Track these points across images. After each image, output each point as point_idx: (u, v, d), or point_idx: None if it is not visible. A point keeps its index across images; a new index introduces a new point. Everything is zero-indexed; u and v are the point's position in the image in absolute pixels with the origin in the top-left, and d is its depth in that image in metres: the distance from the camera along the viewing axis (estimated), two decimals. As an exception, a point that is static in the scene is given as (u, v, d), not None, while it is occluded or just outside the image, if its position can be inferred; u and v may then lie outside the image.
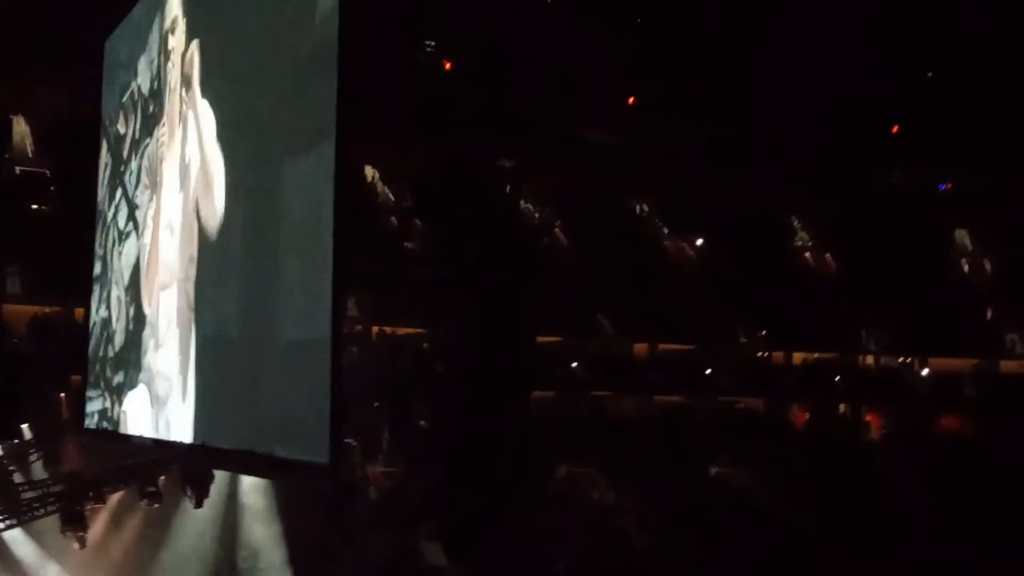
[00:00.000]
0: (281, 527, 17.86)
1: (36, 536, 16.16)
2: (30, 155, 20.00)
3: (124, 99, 12.48)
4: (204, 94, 9.88)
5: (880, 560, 18.38)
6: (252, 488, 17.62)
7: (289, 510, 17.83)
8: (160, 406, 10.45)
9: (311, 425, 7.16)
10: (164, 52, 10.97)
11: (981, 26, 19.28)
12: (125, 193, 12.28)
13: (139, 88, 11.87)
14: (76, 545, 15.31)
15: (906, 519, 19.64)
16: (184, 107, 10.28)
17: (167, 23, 10.92)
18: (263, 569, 17.69)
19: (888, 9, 19.37)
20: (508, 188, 20.73)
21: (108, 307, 12.78)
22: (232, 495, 17.52)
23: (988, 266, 25.46)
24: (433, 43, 20.02)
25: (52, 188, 19.71)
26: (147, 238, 11.31)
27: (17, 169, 19.87)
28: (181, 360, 9.80)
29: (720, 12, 19.15)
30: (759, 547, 18.44)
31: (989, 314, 25.31)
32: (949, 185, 24.79)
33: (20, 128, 19.97)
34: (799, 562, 18.30)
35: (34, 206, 19.62)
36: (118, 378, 12.03)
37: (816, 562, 18.29)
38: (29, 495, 15.30)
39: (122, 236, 12.33)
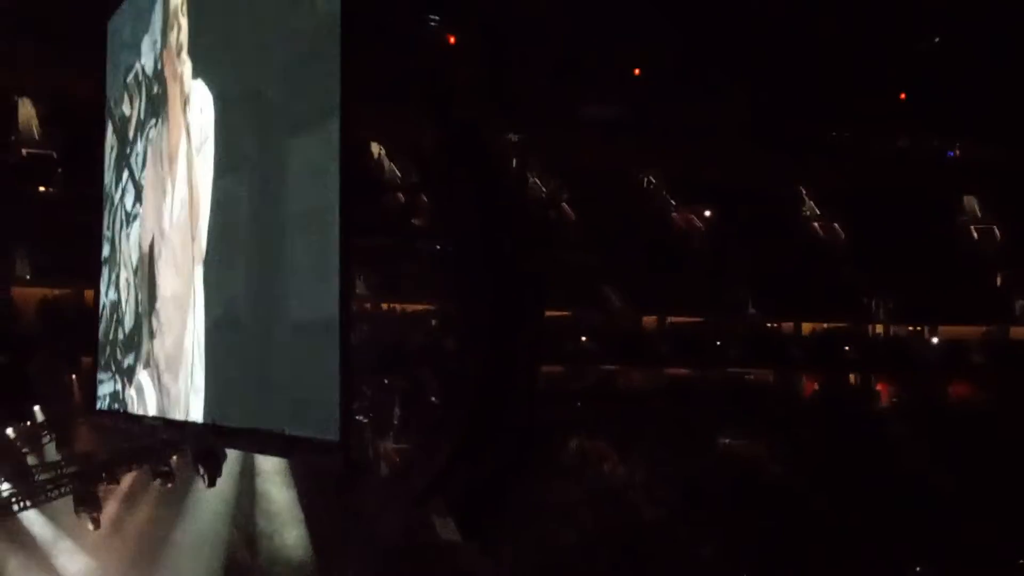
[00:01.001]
0: (295, 504, 17.91)
1: (51, 516, 16.23)
2: (36, 137, 20.00)
3: (128, 80, 12.43)
4: (207, 72, 9.84)
5: (891, 528, 18.41)
6: (265, 467, 17.68)
7: (302, 487, 17.88)
8: (171, 386, 10.46)
9: (321, 403, 7.17)
10: (166, 32, 10.93)
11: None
12: (132, 175, 12.25)
13: (143, 68, 11.82)
14: (90, 525, 15.37)
15: (917, 487, 19.66)
16: (188, 86, 10.25)
17: (169, 3, 10.87)
18: (277, 546, 17.75)
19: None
20: (515, 162, 20.72)
21: (117, 289, 12.77)
22: (245, 474, 17.57)
23: (997, 232, 25.37)
24: (437, 17, 19.91)
25: (59, 170, 19.71)
26: (154, 219, 11.29)
27: (24, 151, 19.87)
28: (191, 340, 9.80)
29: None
30: (769, 517, 18.48)
31: (998, 280, 25.25)
32: (957, 152, 24.70)
33: (26, 110, 19.96)
34: (809, 531, 18.34)
35: (41, 188, 19.62)
36: (128, 359, 12.04)
37: (826, 531, 18.33)
38: (43, 477, 15.35)
39: (130, 218, 12.31)
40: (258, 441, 8.61)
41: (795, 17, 19.94)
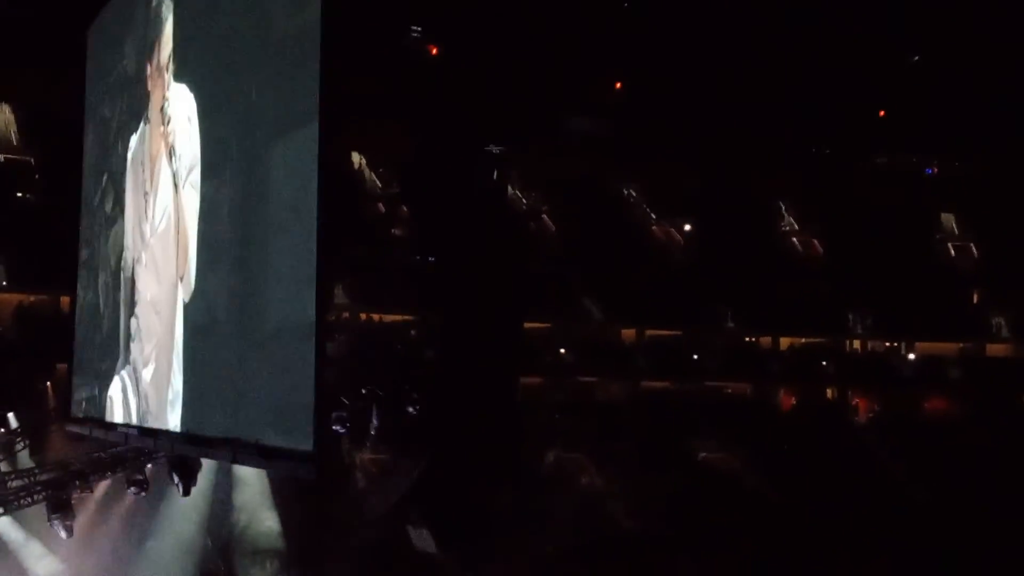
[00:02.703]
0: (270, 514, 17.83)
1: (25, 524, 16.11)
2: (15, 143, 19.92)
3: (110, 82, 12.40)
4: (189, 78, 9.83)
5: (868, 539, 18.47)
6: (241, 476, 17.60)
7: (278, 498, 17.81)
8: (148, 392, 10.41)
9: (296, 413, 7.14)
10: (149, 36, 10.91)
11: (967, 11, 19.33)
12: (111, 178, 12.20)
13: (125, 71, 11.78)
14: (63, 533, 15.25)
15: (893, 499, 19.74)
16: (170, 91, 10.23)
17: (153, 7, 10.85)
18: (251, 554, 17.66)
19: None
20: (496, 174, 20.82)
21: (96, 292, 12.70)
22: (220, 483, 17.49)
23: (974, 250, 25.54)
24: (419, 29, 19.97)
25: (37, 177, 19.63)
26: (134, 223, 11.25)
27: (1, 157, 19.79)
28: (170, 345, 9.75)
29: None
30: (747, 530, 18.50)
31: (975, 297, 25.42)
32: (935, 169, 24.88)
33: (4, 116, 19.88)
34: (787, 543, 18.37)
35: (19, 195, 19.54)
36: (106, 363, 11.97)
37: (804, 543, 18.36)
38: (16, 484, 15.22)
39: (109, 221, 12.26)
40: (233, 451, 8.55)
41: (776, 34, 20.06)
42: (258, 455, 7.94)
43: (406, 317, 20.48)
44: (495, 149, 20.35)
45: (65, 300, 15.86)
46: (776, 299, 23.54)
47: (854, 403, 23.91)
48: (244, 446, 8.10)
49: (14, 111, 19.89)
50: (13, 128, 19.78)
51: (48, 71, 17.53)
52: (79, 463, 15.21)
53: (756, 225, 24.99)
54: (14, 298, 18.88)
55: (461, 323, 18.40)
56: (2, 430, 16.17)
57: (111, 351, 11.81)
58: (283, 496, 17.65)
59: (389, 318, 20.77)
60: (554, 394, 21.15)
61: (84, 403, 12.85)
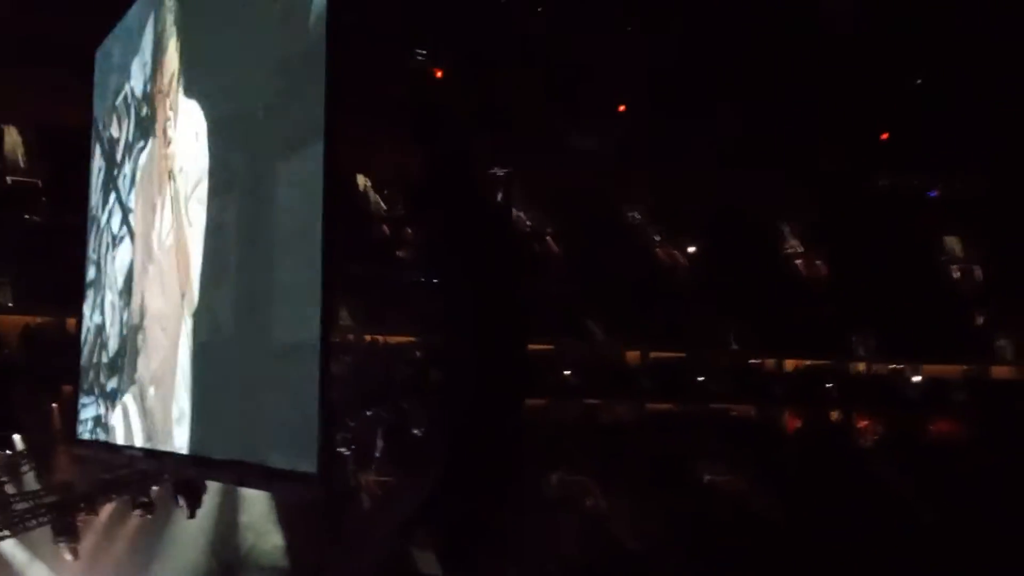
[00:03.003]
0: (276, 537, 17.82)
1: (30, 547, 16.12)
2: (22, 165, 20.00)
3: (117, 102, 12.47)
4: (196, 96, 9.89)
5: (873, 565, 18.41)
6: (247, 498, 17.60)
7: (284, 520, 17.80)
8: (155, 413, 10.43)
9: (301, 434, 7.16)
10: (156, 55, 10.99)
11: (970, 33, 19.38)
12: (119, 197, 12.27)
13: (132, 91, 11.88)
14: (69, 556, 15.27)
15: (899, 521, 19.68)
16: (177, 109, 10.29)
17: (159, 27, 10.93)
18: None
19: (877, 16, 19.47)
20: (500, 195, 20.87)
21: (102, 312, 12.76)
22: (226, 505, 17.48)
23: (978, 272, 25.54)
24: (425, 51, 20.06)
25: (44, 198, 19.71)
26: (142, 242, 11.30)
27: (8, 179, 19.87)
28: (176, 366, 9.78)
29: (712, 18, 19.23)
30: (752, 554, 18.46)
31: (979, 320, 25.40)
32: (938, 191, 24.89)
33: (11, 138, 19.97)
34: (792, 568, 18.32)
35: (26, 216, 19.60)
36: (111, 384, 12.01)
37: (809, 568, 18.31)
38: (21, 506, 15.25)
39: (116, 241, 12.31)
40: (238, 472, 8.58)
41: (779, 56, 20.12)
42: (263, 477, 7.97)
43: (410, 338, 20.48)
44: (499, 171, 20.42)
45: (71, 322, 15.91)
46: (780, 321, 23.53)
47: (858, 425, 23.85)
48: (249, 468, 8.13)
49: (21, 133, 19.97)
50: (20, 150, 19.87)
51: (55, 92, 17.64)
52: (85, 485, 15.26)
53: (760, 247, 25.02)
54: (20, 320, 18.91)
55: (465, 345, 18.41)
56: (8, 452, 16.21)
57: (117, 372, 11.86)
58: (289, 518, 17.65)
59: (394, 339, 20.77)
60: (558, 416, 21.12)
61: (90, 425, 12.88)
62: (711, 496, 20.39)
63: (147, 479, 14.96)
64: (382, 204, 22.44)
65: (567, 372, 22.08)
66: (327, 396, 7.06)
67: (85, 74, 13.87)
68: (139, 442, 10.99)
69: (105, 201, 12.89)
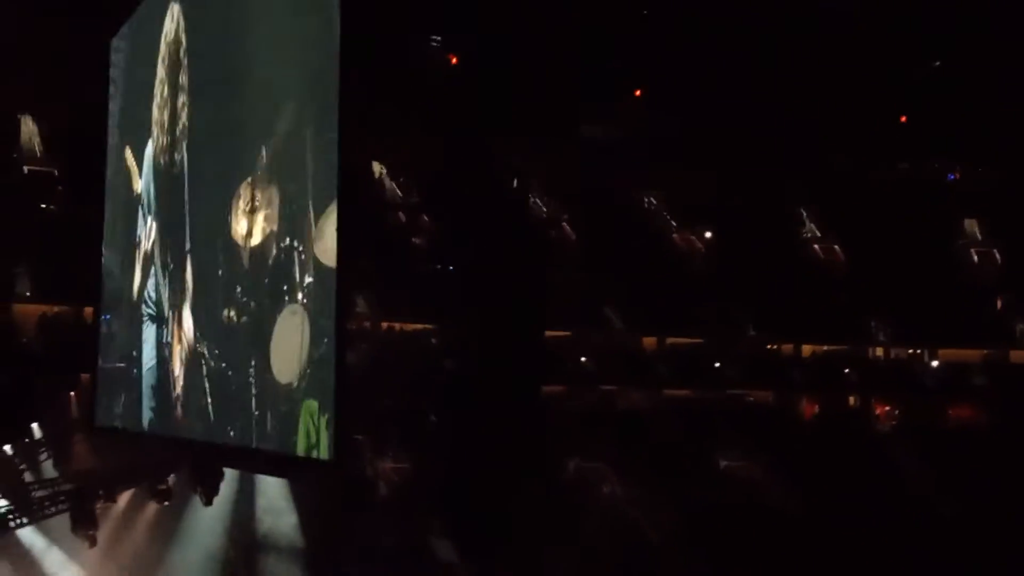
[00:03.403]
0: (293, 523, 17.89)
1: (48, 535, 16.21)
2: (38, 155, 20.05)
3: (132, 92, 12.50)
4: (209, 88, 9.90)
5: (892, 552, 18.35)
6: (264, 484, 17.65)
7: (301, 506, 17.86)
8: (170, 402, 10.47)
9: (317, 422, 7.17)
10: (171, 48, 10.99)
11: (990, 15, 19.22)
12: (134, 197, 12.30)
13: (146, 82, 11.89)
14: (87, 543, 15.34)
15: (917, 509, 19.60)
16: (190, 101, 10.31)
17: (171, 23, 10.93)
18: (274, 563, 17.71)
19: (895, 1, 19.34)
20: (516, 182, 20.82)
21: (120, 301, 12.81)
22: (243, 491, 17.55)
23: (997, 256, 25.35)
24: (439, 38, 20.02)
25: (60, 188, 19.76)
26: (158, 228, 11.34)
27: (25, 169, 19.92)
28: (193, 354, 9.82)
29: (728, 4, 19.13)
30: (770, 540, 18.42)
31: (998, 304, 25.23)
32: (957, 175, 24.72)
33: (28, 128, 20.02)
34: (809, 555, 18.28)
35: (43, 206, 19.66)
36: (129, 373, 12.06)
37: (826, 554, 18.26)
38: (40, 494, 15.34)
39: (132, 229, 12.35)
40: (254, 460, 8.61)
41: (795, 40, 19.99)
42: (279, 464, 7.99)
43: (427, 326, 20.50)
44: (515, 158, 20.37)
45: (89, 311, 15.96)
46: (798, 307, 23.43)
47: (876, 411, 23.77)
48: (265, 456, 8.15)
49: (37, 123, 20.02)
50: (37, 140, 19.92)
51: (71, 83, 17.66)
52: (102, 473, 15.34)
53: (777, 232, 24.89)
54: (38, 309, 19.00)
55: (482, 332, 18.42)
56: (26, 440, 16.29)
57: (135, 360, 11.90)
58: (305, 505, 17.71)
59: (410, 327, 20.80)
60: (575, 402, 21.11)
61: (107, 413, 12.94)
62: (728, 483, 20.35)
63: (165, 467, 15.03)
64: (398, 192, 22.42)
65: (584, 359, 22.06)
66: (343, 384, 7.07)
67: (100, 64, 13.88)
68: (157, 431, 11.04)
69: (121, 191, 12.92)
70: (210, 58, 10.02)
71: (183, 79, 10.50)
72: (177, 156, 10.56)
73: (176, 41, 10.71)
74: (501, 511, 16.86)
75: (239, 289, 8.83)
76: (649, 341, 23.50)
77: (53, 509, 15.22)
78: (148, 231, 11.68)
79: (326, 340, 7.14)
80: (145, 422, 11.32)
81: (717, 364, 22.91)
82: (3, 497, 15.21)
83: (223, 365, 9.09)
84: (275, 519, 17.74)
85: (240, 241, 8.85)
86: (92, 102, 14.41)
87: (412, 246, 21.64)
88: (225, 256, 9.14)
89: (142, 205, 11.91)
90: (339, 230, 7.14)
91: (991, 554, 17.82)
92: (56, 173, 19.91)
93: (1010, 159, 22.94)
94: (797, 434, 22.37)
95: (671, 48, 20.18)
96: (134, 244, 12.14)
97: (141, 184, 11.99)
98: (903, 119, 23.02)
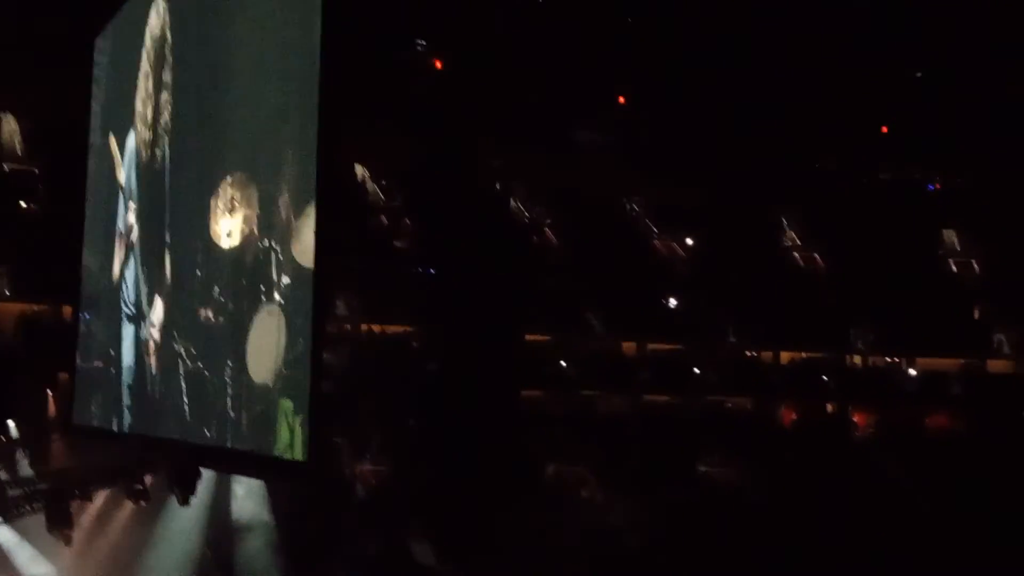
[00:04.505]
0: (271, 525, 17.82)
1: (23, 534, 16.12)
2: (19, 153, 19.97)
3: (115, 90, 12.49)
4: (193, 87, 9.90)
5: (869, 558, 18.42)
6: (241, 486, 17.60)
7: (279, 508, 17.80)
8: (147, 402, 10.46)
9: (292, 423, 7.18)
10: (155, 47, 10.99)
11: (971, 26, 19.35)
12: (116, 183, 12.28)
13: (130, 81, 11.88)
14: (62, 543, 15.26)
15: (895, 517, 19.68)
16: (172, 100, 10.30)
17: (157, 18, 10.93)
18: (251, 565, 17.64)
19: (877, 9, 19.45)
20: (499, 187, 20.85)
21: (98, 300, 12.79)
22: (220, 493, 17.48)
23: (976, 265, 25.51)
24: (424, 41, 20.04)
25: (41, 186, 19.69)
26: (138, 227, 11.33)
27: (5, 167, 19.85)
28: (170, 354, 9.81)
29: (711, 10, 19.21)
30: (749, 545, 18.46)
31: (977, 313, 25.38)
32: (937, 184, 24.88)
33: (8, 126, 19.94)
34: (789, 560, 18.33)
35: (23, 204, 19.59)
36: (107, 373, 12.04)
37: (806, 560, 18.32)
38: (15, 493, 15.26)
39: (112, 228, 12.33)
40: (230, 461, 8.61)
41: (779, 48, 20.10)
42: (254, 466, 7.99)
43: (407, 328, 20.51)
44: (498, 161, 20.39)
45: (68, 310, 15.92)
46: (777, 314, 23.53)
47: (854, 418, 23.88)
48: (241, 456, 8.15)
49: (18, 120, 19.95)
50: (17, 138, 19.85)
51: (53, 80, 17.60)
52: (79, 473, 15.27)
53: (758, 239, 25.00)
54: (16, 307, 18.93)
55: (462, 335, 18.42)
56: (2, 439, 16.21)
57: (113, 359, 11.88)
58: (283, 507, 17.64)
59: (391, 329, 20.79)
60: (555, 407, 21.13)
61: (85, 412, 12.91)
62: (707, 488, 20.39)
63: (141, 467, 14.97)
64: (380, 194, 22.44)
65: (564, 363, 22.09)
66: (318, 386, 7.08)
67: (84, 63, 13.85)
68: (134, 431, 11.02)
69: (103, 187, 12.90)
70: (194, 56, 10.03)
71: (167, 76, 10.50)
72: (159, 153, 10.55)
73: (161, 37, 10.71)
74: (480, 515, 16.85)
75: (217, 289, 8.82)
76: (629, 346, 23.56)
77: (29, 508, 15.13)
78: (128, 230, 11.66)
79: (302, 340, 7.15)
80: (122, 421, 11.30)
81: (697, 370, 22.97)
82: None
83: (200, 365, 9.09)
84: (251, 519, 17.68)
85: (218, 241, 8.84)
86: (74, 100, 14.38)
87: (394, 249, 21.65)
88: (203, 256, 9.13)
89: (122, 203, 11.89)
90: (317, 231, 7.15)
91: (968, 559, 17.90)
92: (37, 172, 19.84)
93: (990, 169, 23.10)
94: (776, 440, 22.44)
95: (655, 53, 20.27)
96: (114, 243, 12.12)
97: (123, 179, 11.96)
98: (884, 129, 23.17)
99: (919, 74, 21.59)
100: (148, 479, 15.27)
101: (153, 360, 10.25)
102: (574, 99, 21.19)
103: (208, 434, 8.92)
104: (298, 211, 7.48)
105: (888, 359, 25.10)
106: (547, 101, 20.71)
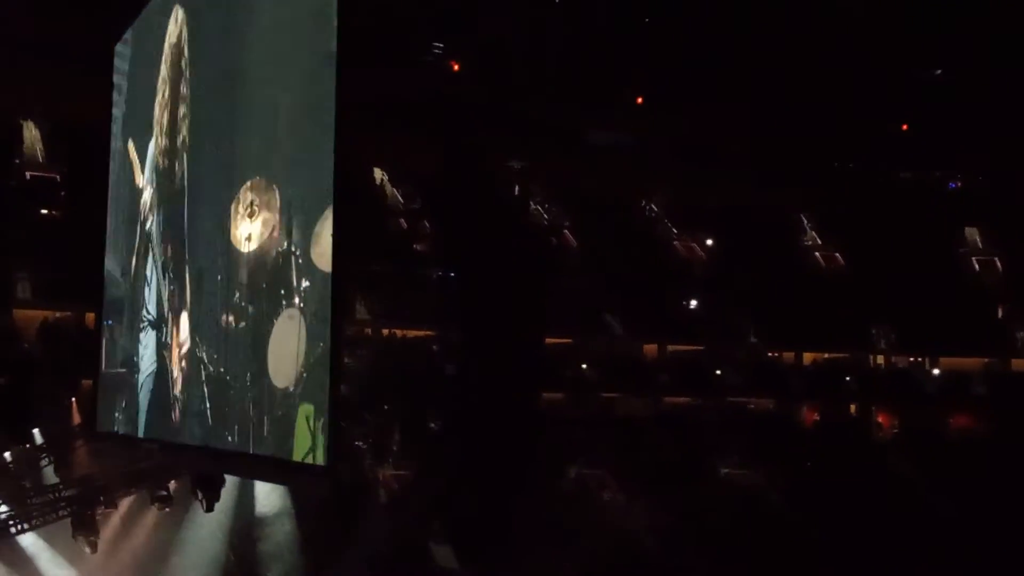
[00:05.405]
0: (292, 529, 17.86)
1: (49, 540, 16.19)
2: (40, 160, 20.09)
3: (136, 96, 12.52)
4: (209, 98, 9.91)
5: (891, 558, 18.33)
6: (263, 491, 17.64)
7: (301, 511, 17.84)
8: (171, 408, 10.47)
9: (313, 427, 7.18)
10: (173, 53, 11.02)
11: (991, 24, 19.25)
12: (136, 191, 12.31)
13: (149, 86, 11.91)
14: (87, 549, 15.32)
15: (917, 517, 19.58)
16: (191, 105, 10.33)
17: (175, 25, 10.95)
18: (274, 569, 17.69)
19: (897, 9, 19.37)
20: (517, 189, 20.86)
21: (121, 308, 12.82)
22: (243, 498, 17.53)
23: (998, 264, 25.35)
24: (441, 45, 20.07)
25: (62, 193, 19.80)
26: (158, 234, 11.35)
27: (27, 174, 19.97)
28: (192, 361, 9.82)
29: (729, 12, 19.16)
30: (769, 547, 18.40)
31: (999, 313, 25.22)
32: (959, 183, 24.75)
33: (30, 133, 20.06)
34: (809, 562, 18.26)
35: (44, 211, 19.70)
36: (130, 379, 12.05)
37: (827, 561, 18.25)
38: (40, 499, 15.32)
39: (133, 234, 12.36)
40: (251, 466, 8.61)
41: (798, 47, 20.02)
42: (275, 470, 7.99)
43: (428, 332, 20.51)
44: (516, 164, 20.41)
45: (90, 316, 15.97)
46: (799, 314, 23.42)
47: (877, 419, 23.74)
48: (262, 461, 8.15)
49: (39, 127, 20.07)
50: (39, 145, 19.96)
51: (74, 87, 17.70)
52: (103, 479, 15.31)
53: (778, 240, 24.91)
54: (39, 314, 19.02)
55: (483, 338, 18.43)
56: (27, 446, 16.29)
57: (135, 366, 11.90)
58: (305, 511, 17.69)
59: (411, 334, 20.80)
60: (576, 409, 21.10)
61: (108, 419, 12.93)
62: (728, 490, 20.33)
63: (165, 473, 15.02)
64: (399, 198, 22.46)
65: (585, 366, 22.06)
66: (337, 389, 7.08)
67: (104, 69, 13.89)
68: (158, 437, 11.04)
69: (123, 195, 12.94)
70: (211, 64, 10.04)
71: (184, 88, 10.53)
72: (177, 161, 10.57)
73: (179, 45, 10.74)
74: (501, 517, 16.86)
75: (237, 294, 8.83)
76: (650, 348, 23.49)
77: (53, 515, 15.19)
78: (149, 237, 11.69)
79: (322, 344, 7.15)
80: (145, 427, 11.32)
81: (718, 372, 22.89)
82: (4, 503, 15.19)
83: (221, 370, 9.10)
84: (273, 522, 17.73)
85: (239, 246, 8.85)
86: (95, 107, 14.43)
87: (413, 252, 21.67)
88: (224, 261, 9.14)
89: (143, 211, 11.92)
90: (335, 234, 7.15)
91: (990, 559, 17.80)
92: (58, 179, 19.95)
93: (1011, 168, 22.97)
94: (797, 441, 22.35)
95: (673, 55, 20.22)
96: (135, 250, 12.15)
97: (143, 185, 12.00)
98: (904, 127, 23.06)
99: (939, 72, 21.47)
100: (172, 484, 15.32)
101: (175, 366, 10.26)
102: (592, 101, 21.16)
103: (230, 439, 8.93)
104: (316, 215, 7.48)
105: (910, 359, 24.95)
106: (565, 104, 20.70)
